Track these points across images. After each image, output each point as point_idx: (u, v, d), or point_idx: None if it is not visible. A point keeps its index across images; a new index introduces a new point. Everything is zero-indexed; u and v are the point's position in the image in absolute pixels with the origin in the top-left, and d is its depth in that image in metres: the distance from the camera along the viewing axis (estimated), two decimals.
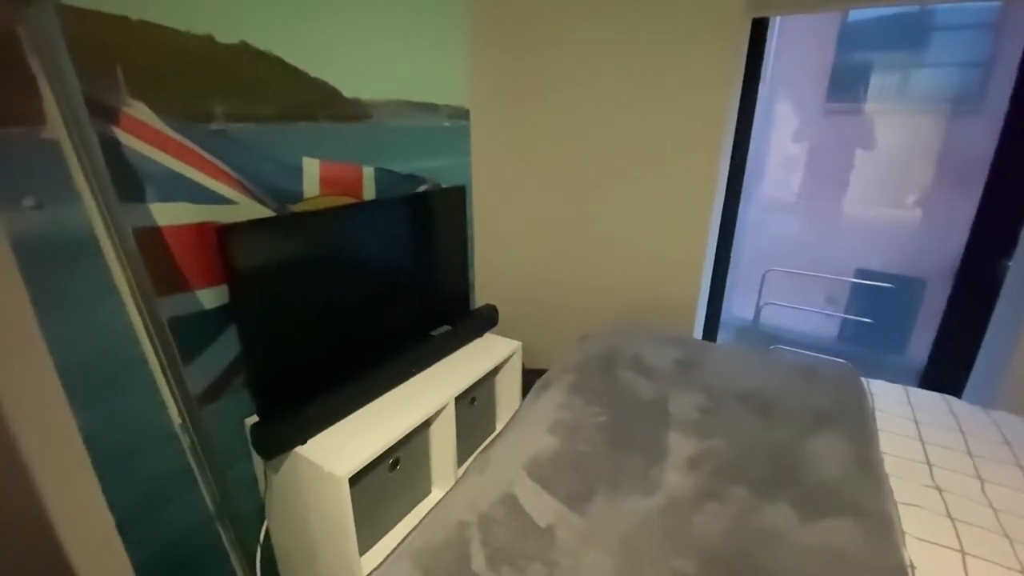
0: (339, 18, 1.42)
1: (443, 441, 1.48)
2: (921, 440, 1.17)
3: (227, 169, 1.18)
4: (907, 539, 0.87)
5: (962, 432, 1.20)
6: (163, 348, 1.04)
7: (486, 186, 2.16)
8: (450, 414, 1.46)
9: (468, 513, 0.94)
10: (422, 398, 1.43)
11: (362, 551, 1.26)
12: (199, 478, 1.19)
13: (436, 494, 1.54)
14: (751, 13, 1.60)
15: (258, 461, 1.32)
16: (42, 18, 0.81)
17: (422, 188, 1.80)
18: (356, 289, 1.47)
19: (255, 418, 1.25)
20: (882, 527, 0.87)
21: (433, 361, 1.63)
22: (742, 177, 1.89)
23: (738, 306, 3.63)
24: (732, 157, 1.82)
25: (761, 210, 3.63)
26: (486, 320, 1.86)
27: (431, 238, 1.73)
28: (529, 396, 1.37)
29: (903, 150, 3.21)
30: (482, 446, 1.52)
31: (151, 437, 1.11)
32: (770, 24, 1.70)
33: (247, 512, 1.34)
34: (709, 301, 2.03)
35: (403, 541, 0.93)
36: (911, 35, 3.10)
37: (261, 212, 1.26)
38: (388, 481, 1.35)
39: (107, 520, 0.99)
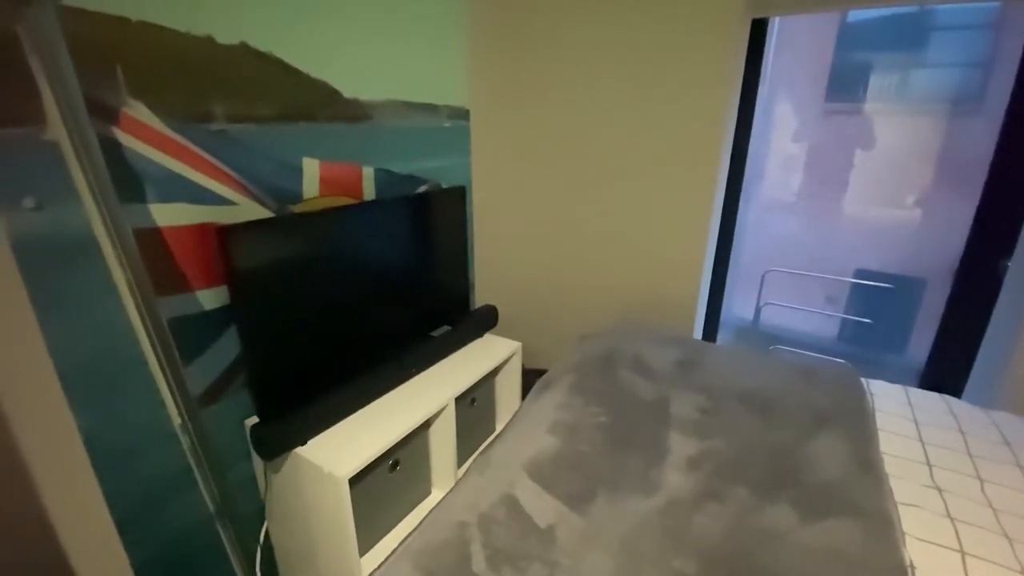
0: (339, 18, 1.42)
1: (443, 442, 1.48)
2: (921, 440, 1.17)
3: (227, 170, 1.18)
4: (907, 539, 0.87)
5: (962, 432, 1.20)
6: (163, 349, 1.04)
7: (486, 186, 2.16)
8: (450, 415, 1.46)
9: (468, 514, 0.94)
10: (422, 399, 1.43)
11: (362, 552, 1.26)
12: (199, 478, 1.19)
13: (436, 495, 1.54)
14: (751, 14, 1.60)
15: (258, 462, 1.32)
16: (42, 18, 0.81)
17: (422, 188, 1.80)
18: (356, 290, 1.47)
19: (255, 419, 1.25)
20: (882, 527, 0.87)
21: (433, 362, 1.63)
22: (742, 177, 1.89)
23: (738, 306, 3.63)
24: (732, 157, 1.82)
25: (761, 210, 3.62)
26: (486, 320, 1.86)
27: (431, 238, 1.73)
28: (529, 396, 1.37)
29: (903, 150, 3.21)
30: (482, 447, 1.52)
31: (151, 437, 1.11)
32: (770, 24, 1.71)
33: (247, 512, 1.34)
34: (709, 301, 2.03)
35: (403, 542, 0.93)
36: (911, 35, 3.09)
37: (261, 213, 1.26)
38: (388, 482, 1.35)
39: (107, 520, 0.99)
